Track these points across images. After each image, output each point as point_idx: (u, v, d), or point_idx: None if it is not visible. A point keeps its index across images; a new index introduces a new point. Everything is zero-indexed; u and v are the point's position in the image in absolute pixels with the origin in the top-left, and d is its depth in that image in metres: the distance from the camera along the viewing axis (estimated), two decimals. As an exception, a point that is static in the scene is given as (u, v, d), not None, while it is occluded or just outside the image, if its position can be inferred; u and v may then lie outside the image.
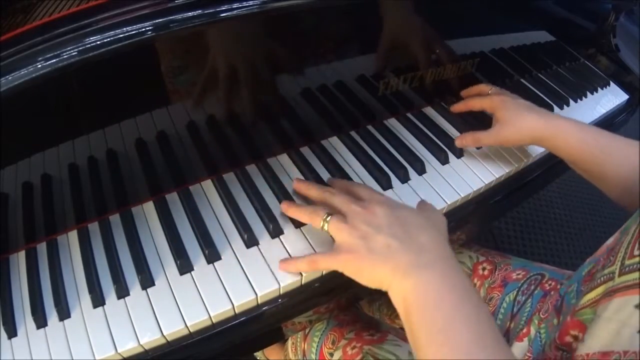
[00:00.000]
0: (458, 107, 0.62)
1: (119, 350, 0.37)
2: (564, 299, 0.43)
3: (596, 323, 0.30)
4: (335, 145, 0.56)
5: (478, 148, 0.58)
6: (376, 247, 0.37)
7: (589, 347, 0.30)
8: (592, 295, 0.34)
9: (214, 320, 0.40)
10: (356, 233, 0.38)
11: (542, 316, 0.47)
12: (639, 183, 0.44)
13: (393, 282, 0.36)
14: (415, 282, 0.35)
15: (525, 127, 0.51)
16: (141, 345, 0.37)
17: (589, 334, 0.31)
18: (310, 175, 0.51)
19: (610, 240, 0.40)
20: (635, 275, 0.29)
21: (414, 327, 0.34)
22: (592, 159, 0.48)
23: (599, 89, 0.78)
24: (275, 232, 0.44)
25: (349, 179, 0.51)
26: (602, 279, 0.33)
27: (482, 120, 0.59)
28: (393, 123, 0.60)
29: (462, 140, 0.56)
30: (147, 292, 0.40)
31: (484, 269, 0.63)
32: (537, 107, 0.54)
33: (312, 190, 0.45)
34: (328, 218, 0.40)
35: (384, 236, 0.37)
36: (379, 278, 0.37)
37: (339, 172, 0.51)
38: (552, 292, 0.53)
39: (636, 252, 0.30)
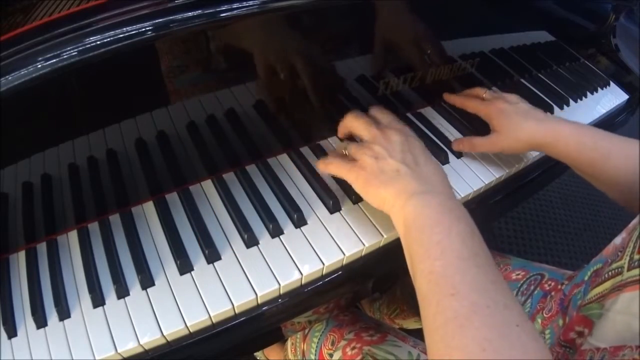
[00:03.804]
0: (452, 99, 0.61)
1: (119, 350, 0.37)
2: (571, 301, 0.43)
3: (605, 317, 0.31)
4: (336, 145, 0.56)
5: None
6: (386, 169, 0.40)
7: (598, 341, 0.30)
8: (599, 289, 0.34)
9: (214, 320, 0.40)
10: (370, 152, 0.42)
11: (545, 315, 0.47)
12: (639, 183, 0.44)
13: (396, 204, 0.38)
14: (416, 205, 0.37)
15: (522, 136, 0.50)
16: (141, 345, 0.37)
17: (598, 328, 0.31)
18: (312, 176, 0.51)
19: (618, 240, 0.40)
20: None
21: (412, 243, 0.36)
22: (592, 162, 0.48)
23: (599, 89, 0.78)
24: (275, 232, 0.44)
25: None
26: (609, 273, 0.33)
27: (483, 121, 0.59)
28: (393, 123, 0.60)
29: (459, 144, 0.56)
30: (147, 292, 0.40)
31: (483, 269, 0.62)
32: (535, 111, 0.52)
33: (345, 120, 0.49)
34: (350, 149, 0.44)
35: (395, 161, 0.41)
36: (383, 198, 0.40)
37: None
38: (552, 293, 0.53)
39: None
